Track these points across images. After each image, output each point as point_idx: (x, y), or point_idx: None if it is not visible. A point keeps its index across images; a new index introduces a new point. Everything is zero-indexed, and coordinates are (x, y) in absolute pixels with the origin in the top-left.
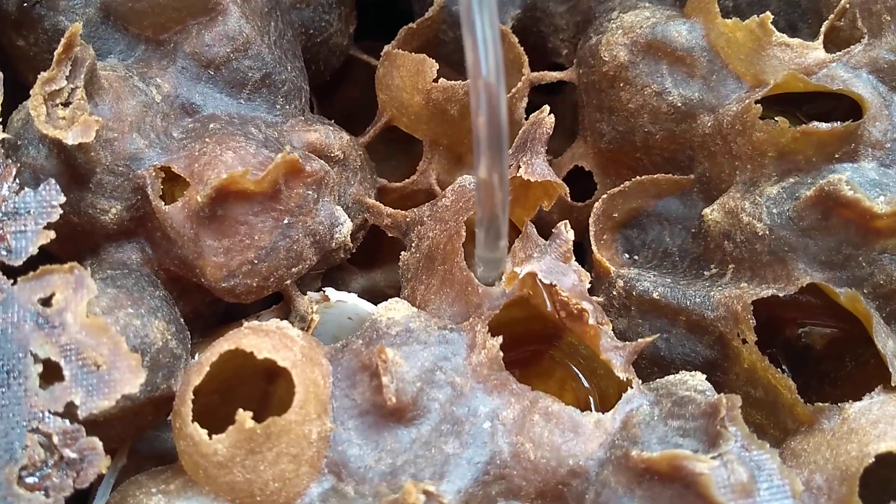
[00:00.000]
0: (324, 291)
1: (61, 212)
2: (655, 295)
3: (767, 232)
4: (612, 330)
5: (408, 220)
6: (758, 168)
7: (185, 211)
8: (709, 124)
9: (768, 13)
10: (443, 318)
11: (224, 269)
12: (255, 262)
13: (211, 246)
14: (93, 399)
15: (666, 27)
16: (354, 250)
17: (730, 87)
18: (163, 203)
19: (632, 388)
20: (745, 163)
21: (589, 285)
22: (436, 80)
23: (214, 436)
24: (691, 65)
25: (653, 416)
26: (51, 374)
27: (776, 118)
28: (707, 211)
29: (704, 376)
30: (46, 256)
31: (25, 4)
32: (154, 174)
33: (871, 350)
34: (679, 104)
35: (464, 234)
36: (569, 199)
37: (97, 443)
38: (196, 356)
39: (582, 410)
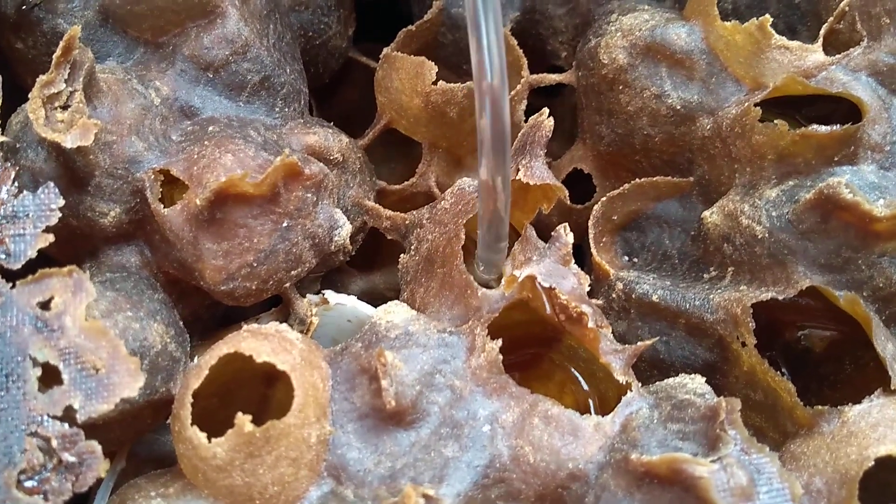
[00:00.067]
0: (323, 294)
1: (60, 215)
2: (655, 298)
3: (767, 235)
4: (612, 333)
5: (407, 222)
6: (757, 171)
7: (183, 214)
8: (708, 127)
9: (767, 16)
10: (442, 321)
11: (223, 272)
12: (255, 264)
13: (210, 249)
14: (92, 403)
15: (665, 30)
16: (353, 253)
17: (729, 90)
18: (162, 206)
19: (631, 391)
20: (745, 165)
21: (588, 288)
22: (435, 83)
23: (213, 439)
24: (690, 67)
25: (652, 419)
26: (50, 377)
27: (775, 121)
28: (706, 214)
29: (704, 379)
30: (45, 260)
31: (24, 7)
32: (153, 177)
33: (871, 353)
34: (678, 107)
35: (463, 236)
36: (568, 201)
37: (96, 446)
38: (195, 359)
39: (581, 413)
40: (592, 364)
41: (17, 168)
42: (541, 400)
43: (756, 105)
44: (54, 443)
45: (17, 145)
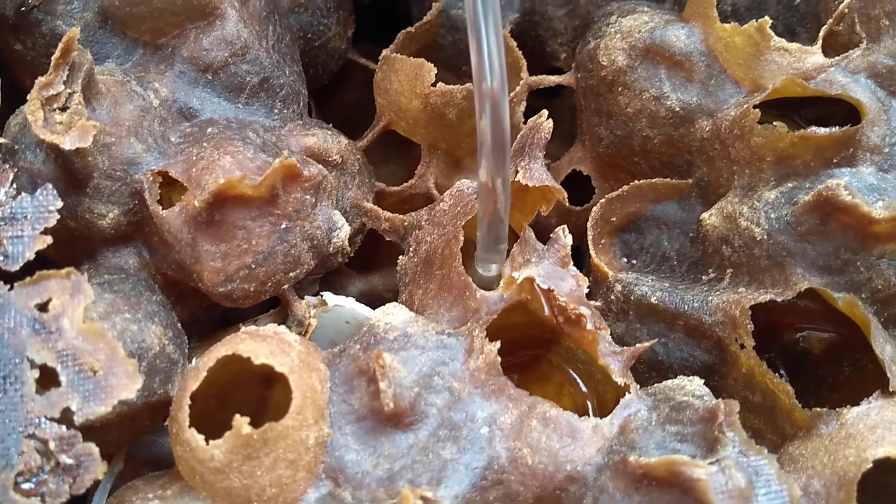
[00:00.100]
0: (321, 296)
1: (58, 216)
2: (653, 299)
3: (766, 237)
4: (610, 334)
5: (406, 224)
6: (756, 173)
7: (182, 215)
8: (707, 129)
9: (767, 18)
10: (441, 323)
11: (221, 274)
12: (253, 266)
13: (208, 251)
14: (89, 405)
15: (664, 32)
16: (352, 254)
17: (728, 92)
18: (160, 208)
19: (630, 393)
20: (744, 167)
21: (587, 290)
22: (434, 85)
23: (211, 441)
24: (690, 69)
25: (651, 421)
26: (47, 379)
27: (774, 123)
28: (705, 215)
29: (702, 381)
30: (43, 261)
31: (23, 8)
32: (151, 179)
33: (869, 355)
34: (677, 109)
35: (462, 238)
36: (567, 203)
37: (94, 448)
38: (193, 361)
39: (580, 415)
40: (591, 366)
41: (16, 170)
42: (539, 402)
43: (755, 107)
44: (52, 445)
45: (16, 147)
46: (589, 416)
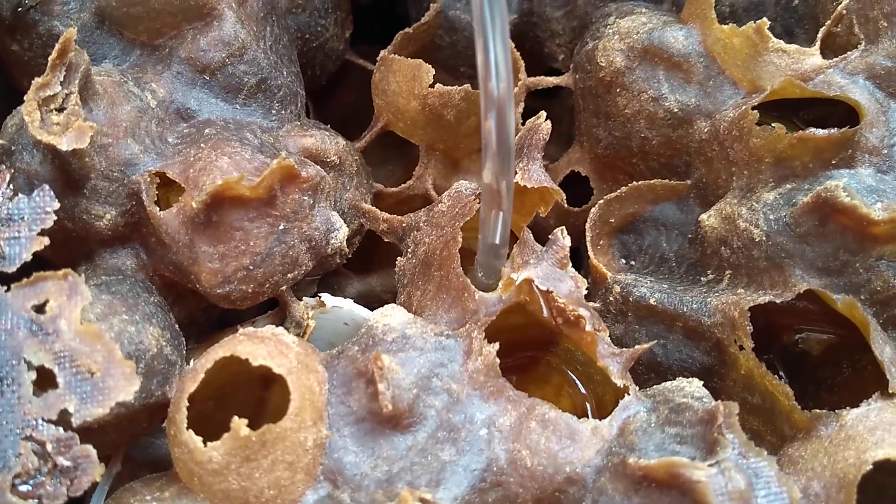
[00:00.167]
0: (319, 297)
1: (55, 218)
2: (652, 301)
3: (764, 238)
4: (609, 336)
5: (404, 225)
6: (755, 174)
7: (179, 217)
8: (705, 130)
9: (765, 19)
10: (439, 325)
11: (219, 275)
12: (251, 267)
13: (206, 252)
14: (87, 406)
15: (662, 33)
16: (350, 255)
17: (726, 93)
18: (157, 209)
19: (629, 394)
20: (742, 169)
21: (586, 291)
22: (432, 86)
23: (209, 443)
24: (688, 70)
25: (650, 422)
26: (44, 381)
27: (773, 124)
28: (704, 217)
29: (702, 383)
30: (40, 262)
31: (20, 9)
32: (149, 180)
33: (868, 356)
34: (676, 110)
35: (460, 239)
36: (565, 204)
37: (91, 450)
38: (191, 362)
39: (579, 417)
40: (590, 367)
41: (13, 171)
42: (538, 403)
43: (753, 108)
44: (49, 447)
45: (13, 148)
46: (588, 417)
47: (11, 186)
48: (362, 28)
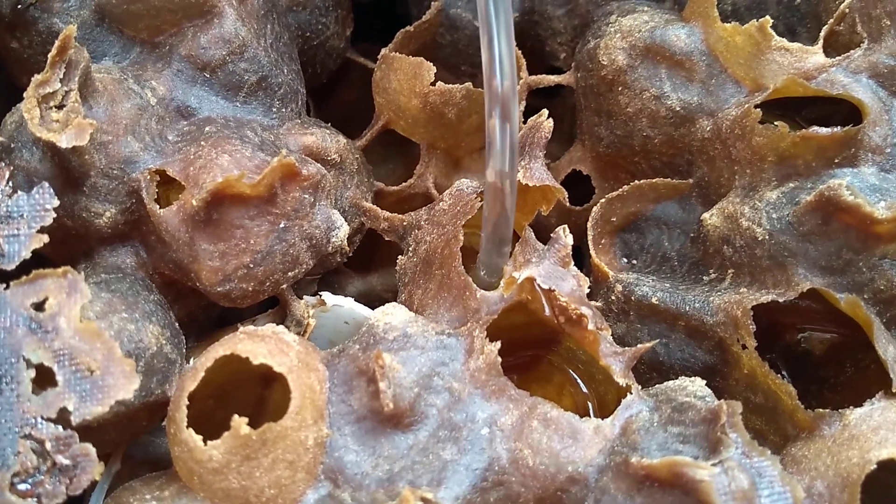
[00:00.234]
0: (320, 296)
1: (55, 215)
2: (654, 300)
3: (767, 237)
4: (611, 335)
5: (405, 223)
6: (757, 173)
7: (180, 214)
8: (708, 129)
9: (768, 17)
10: (440, 323)
11: (219, 274)
12: (251, 266)
13: (206, 250)
14: (86, 405)
15: (665, 31)
16: (351, 254)
17: (729, 92)
18: (157, 206)
19: (631, 393)
20: (745, 167)
21: (588, 290)
22: (433, 84)
23: (209, 442)
24: (690, 69)
25: (652, 422)
26: (44, 379)
27: (776, 123)
28: (706, 215)
29: (704, 382)
30: (40, 260)
31: (20, 6)
32: (149, 177)
33: (872, 355)
34: (678, 108)
35: (461, 238)
36: (567, 203)
37: (90, 449)
38: (191, 361)
39: (581, 416)
40: (592, 366)
41: (12, 168)
42: (540, 402)
43: (756, 107)
44: (48, 445)
45: (12, 145)
46: (590, 417)
47: (11, 184)
48: (363, 26)
